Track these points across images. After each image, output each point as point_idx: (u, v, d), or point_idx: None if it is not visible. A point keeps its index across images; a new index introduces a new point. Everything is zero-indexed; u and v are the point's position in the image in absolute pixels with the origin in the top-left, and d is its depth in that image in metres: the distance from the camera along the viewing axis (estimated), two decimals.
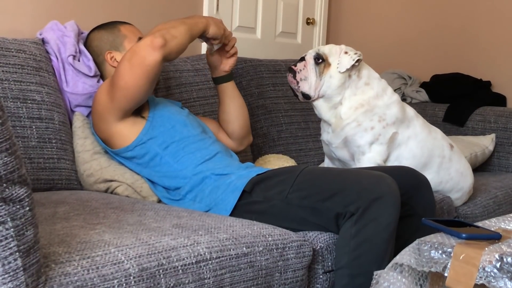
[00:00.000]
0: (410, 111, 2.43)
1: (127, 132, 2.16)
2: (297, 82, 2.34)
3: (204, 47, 3.15)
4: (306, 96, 2.36)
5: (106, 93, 2.13)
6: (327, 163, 2.56)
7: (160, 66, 2.04)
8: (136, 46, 2.05)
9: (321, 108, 2.37)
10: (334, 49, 2.35)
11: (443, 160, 2.45)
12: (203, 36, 2.23)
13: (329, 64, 2.32)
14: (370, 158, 2.30)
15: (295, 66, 2.36)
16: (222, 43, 2.30)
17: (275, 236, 1.72)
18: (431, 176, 2.37)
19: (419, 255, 1.41)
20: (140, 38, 2.22)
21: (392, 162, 2.36)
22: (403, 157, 2.37)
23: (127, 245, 1.44)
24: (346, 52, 2.32)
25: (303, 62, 2.35)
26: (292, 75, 2.36)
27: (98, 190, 2.20)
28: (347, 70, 2.31)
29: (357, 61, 2.30)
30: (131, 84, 2.04)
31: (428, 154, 2.42)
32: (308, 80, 2.33)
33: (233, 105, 2.43)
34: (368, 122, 2.31)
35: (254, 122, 2.95)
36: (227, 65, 2.38)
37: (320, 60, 2.33)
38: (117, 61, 2.28)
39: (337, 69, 2.31)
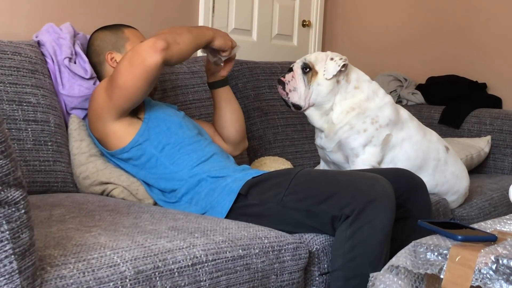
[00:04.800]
0: (404, 113, 2.43)
1: (123, 132, 2.16)
2: (287, 94, 2.35)
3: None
4: (297, 107, 2.37)
5: (104, 90, 2.13)
6: (322, 166, 2.56)
7: (159, 69, 2.04)
8: (138, 46, 2.05)
9: (313, 116, 2.38)
10: (320, 56, 2.35)
11: (438, 163, 2.45)
12: (209, 47, 2.24)
13: (316, 72, 2.33)
14: (364, 160, 2.31)
15: (284, 77, 2.37)
16: (230, 55, 2.31)
17: (271, 238, 1.72)
18: (427, 178, 2.37)
19: (415, 257, 1.41)
20: None
21: (387, 164, 2.36)
22: (398, 160, 2.37)
23: (122, 247, 1.44)
24: (332, 59, 2.32)
25: (291, 73, 2.36)
26: (281, 87, 2.37)
27: (93, 193, 2.20)
28: (334, 76, 2.31)
29: (343, 66, 2.30)
30: (129, 83, 2.04)
31: (423, 157, 2.42)
32: (297, 90, 2.34)
33: (229, 110, 2.43)
34: (361, 124, 2.32)
35: (250, 124, 2.95)
36: (225, 70, 2.39)
37: (308, 69, 2.33)
38: (117, 62, 2.28)
39: (324, 76, 2.31)
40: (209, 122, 2.55)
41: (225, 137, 2.46)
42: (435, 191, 2.48)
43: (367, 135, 2.31)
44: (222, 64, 2.37)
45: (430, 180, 2.42)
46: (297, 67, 2.36)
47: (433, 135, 2.50)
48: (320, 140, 2.42)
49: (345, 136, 2.32)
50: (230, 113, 2.44)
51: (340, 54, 2.35)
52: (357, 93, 2.35)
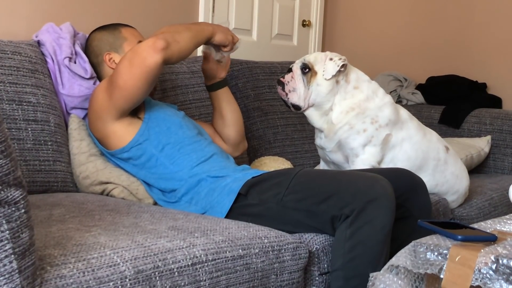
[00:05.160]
0: (404, 113, 2.43)
1: (123, 132, 2.16)
2: (286, 94, 2.35)
3: (199, 49, 3.15)
4: (296, 107, 2.37)
5: (105, 91, 2.13)
6: (322, 166, 2.56)
7: (160, 68, 2.04)
8: (138, 46, 2.05)
9: (313, 116, 2.38)
10: (319, 56, 2.35)
11: (438, 163, 2.45)
12: (210, 43, 2.25)
13: (316, 73, 2.32)
14: (364, 160, 2.30)
15: (283, 78, 2.37)
16: (233, 50, 2.31)
17: (271, 238, 1.72)
18: (427, 178, 2.37)
19: (415, 257, 1.41)
20: (140, 42, 2.22)
21: (386, 164, 2.36)
22: (398, 159, 2.37)
23: (122, 247, 1.44)
24: (331, 59, 2.32)
25: (291, 73, 2.36)
26: (281, 88, 2.37)
27: (93, 192, 2.20)
28: (333, 76, 2.31)
29: (342, 66, 2.30)
30: (130, 83, 2.04)
31: (423, 157, 2.41)
32: (296, 91, 2.34)
33: (229, 110, 2.43)
34: (361, 124, 2.32)
35: (250, 124, 2.95)
36: (223, 71, 2.38)
37: (307, 70, 2.33)
38: (115, 63, 2.28)
39: (323, 76, 2.31)
40: (208, 123, 2.55)
41: (225, 137, 2.46)
42: (435, 191, 2.48)
43: (367, 135, 2.31)
44: (225, 61, 2.36)
45: (430, 180, 2.42)
46: (296, 67, 2.36)
47: (433, 135, 2.50)
48: (319, 140, 2.42)
49: (345, 136, 2.32)
50: (230, 114, 2.44)
51: (339, 54, 2.35)
52: (357, 93, 2.35)
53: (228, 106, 2.43)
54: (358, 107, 2.33)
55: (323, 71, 2.31)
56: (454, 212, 2.60)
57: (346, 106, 2.33)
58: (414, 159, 2.39)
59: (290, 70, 2.37)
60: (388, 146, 2.35)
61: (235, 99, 2.49)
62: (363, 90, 2.36)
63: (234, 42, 2.29)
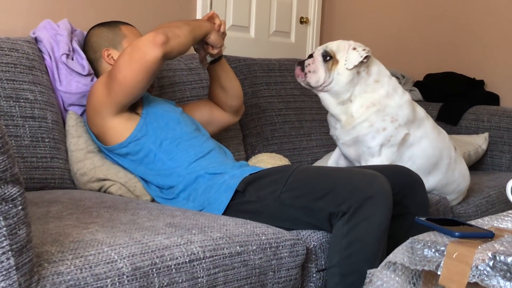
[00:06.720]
0: (421, 111, 2.40)
1: (122, 127, 2.16)
2: (305, 74, 2.31)
3: None
4: (311, 86, 2.33)
5: (103, 86, 2.13)
6: (335, 158, 2.52)
7: (159, 63, 2.04)
8: (137, 41, 2.05)
9: (329, 102, 2.34)
10: (343, 45, 2.30)
11: (450, 162, 2.43)
12: (202, 42, 2.26)
13: (337, 61, 2.28)
14: (377, 162, 2.27)
15: (304, 61, 2.34)
16: (217, 55, 2.34)
17: (268, 235, 1.72)
18: (440, 177, 2.36)
19: (412, 254, 1.42)
20: None
21: (405, 162, 2.32)
22: (417, 157, 2.34)
23: (120, 244, 1.44)
24: (354, 48, 2.27)
25: (311, 59, 2.32)
26: (300, 68, 2.33)
27: (91, 189, 2.20)
28: (355, 66, 2.27)
29: (366, 57, 2.26)
30: (129, 78, 2.04)
31: (439, 155, 2.39)
32: (316, 73, 2.29)
33: (229, 79, 2.45)
34: (381, 122, 2.28)
35: (247, 121, 2.95)
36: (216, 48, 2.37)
37: (328, 58, 2.29)
38: (113, 59, 2.29)
39: (345, 65, 2.28)
40: (203, 100, 2.58)
41: (228, 106, 2.48)
42: (444, 190, 2.46)
43: (386, 134, 2.27)
44: (207, 63, 2.38)
45: (442, 178, 2.40)
46: (317, 54, 2.31)
47: (444, 134, 2.48)
48: (334, 131, 2.38)
49: (364, 133, 2.28)
50: (231, 82, 2.46)
51: (363, 45, 2.30)
52: (377, 87, 2.31)
53: (228, 76, 2.45)
54: (379, 103, 2.29)
55: (345, 60, 2.28)
56: (452, 209, 2.60)
57: (367, 101, 2.29)
58: (431, 157, 2.37)
59: (311, 56, 2.33)
60: (405, 146, 2.31)
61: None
62: (383, 85, 2.32)
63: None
